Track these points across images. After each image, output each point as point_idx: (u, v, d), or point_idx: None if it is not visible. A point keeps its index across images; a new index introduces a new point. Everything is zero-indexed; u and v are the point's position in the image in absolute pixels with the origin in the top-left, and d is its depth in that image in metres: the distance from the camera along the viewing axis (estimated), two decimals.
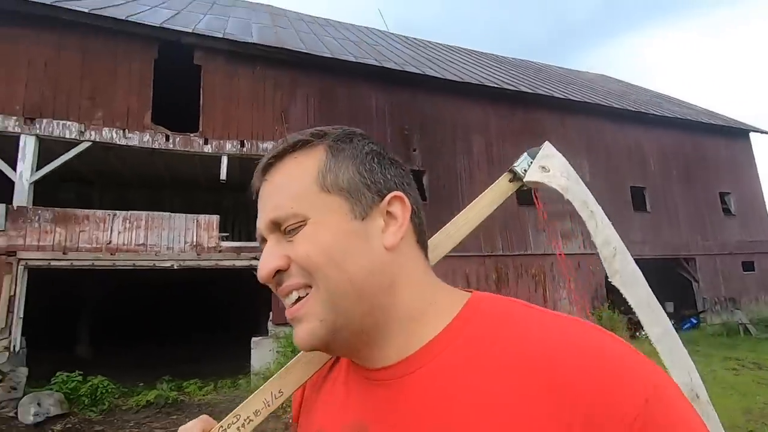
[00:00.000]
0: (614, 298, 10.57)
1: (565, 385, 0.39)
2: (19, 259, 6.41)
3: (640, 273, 0.68)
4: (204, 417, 0.56)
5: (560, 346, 0.42)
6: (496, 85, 10.41)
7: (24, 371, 5.86)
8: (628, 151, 12.11)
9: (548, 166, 0.66)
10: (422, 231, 0.53)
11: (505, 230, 9.81)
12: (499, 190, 0.67)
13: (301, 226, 0.47)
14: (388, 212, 0.49)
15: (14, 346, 6.17)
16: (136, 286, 10.69)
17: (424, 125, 9.56)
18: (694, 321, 11.96)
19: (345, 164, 0.49)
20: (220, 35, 8.16)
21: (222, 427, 0.54)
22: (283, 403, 0.57)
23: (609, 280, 0.66)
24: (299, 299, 0.48)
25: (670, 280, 12.29)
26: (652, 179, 12.23)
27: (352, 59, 9.15)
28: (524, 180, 0.66)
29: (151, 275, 8.00)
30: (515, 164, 0.67)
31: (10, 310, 6.24)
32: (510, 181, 0.67)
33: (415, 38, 16.53)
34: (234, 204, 10.02)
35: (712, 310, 12.17)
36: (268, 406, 0.56)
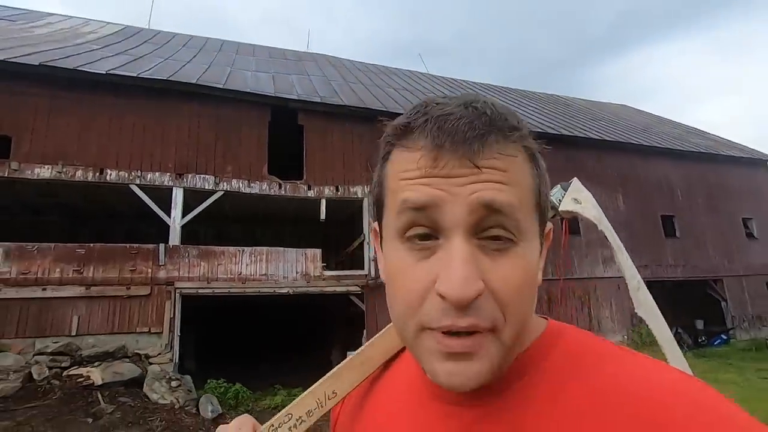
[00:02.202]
0: None
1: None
2: (176, 288, 8.00)
3: (657, 308, 0.80)
4: (248, 416, 0.51)
5: (658, 387, 0.36)
6: (541, 131, 11.94)
7: (189, 378, 7.36)
8: (658, 183, 13.46)
9: (580, 199, 0.73)
10: None
11: (554, 256, 11.19)
12: None
13: (511, 241, 0.38)
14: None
15: (175, 359, 7.70)
16: (232, 309, 12.21)
17: None
18: (725, 337, 13.04)
19: (542, 181, 0.42)
20: (318, 99, 9.87)
21: (273, 426, 0.50)
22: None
23: (635, 311, 0.77)
24: (472, 334, 0.38)
25: (700, 299, 13.47)
26: (680, 208, 13.52)
27: None
28: (559, 209, 0.72)
29: (254, 299, 9.53)
30: (550, 195, 0.58)
31: (171, 329, 7.81)
32: None
33: (453, 79, 18.26)
34: (321, 236, 11.56)
35: (740, 327, 13.25)
36: (321, 407, 0.51)
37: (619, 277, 9.17)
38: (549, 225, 0.44)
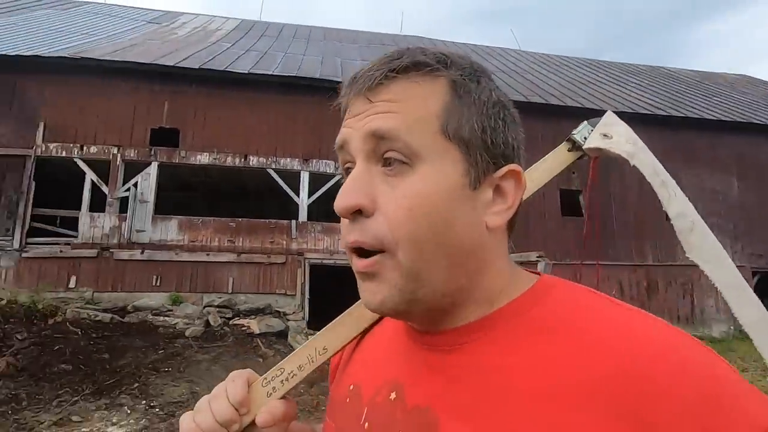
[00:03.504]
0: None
1: (650, 394, 0.33)
2: (305, 258, 9.37)
3: (724, 251, 0.60)
4: (249, 370, 0.53)
5: (647, 345, 0.36)
6: (648, 111, 11.53)
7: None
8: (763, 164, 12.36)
9: (611, 134, 0.60)
10: (518, 211, 0.45)
11: (655, 241, 11.02)
12: (556, 159, 0.61)
13: (406, 164, 0.40)
14: (497, 186, 0.43)
15: (306, 317, 9.14)
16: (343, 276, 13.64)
17: None
18: None
19: (470, 111, 0.42)
20: None
21: (266, 378, 0.52)
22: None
23: (686, 255, 0.60)
24: (369, 254, 0.41)
25: None
26: None
27: (523, 99, 10.99)
28: (584, 147, 0.60)
29: None
30: (574, 132, 0.61)
31: (302, 293, 9.24)
32: (569, 150, 0.61)
33: (548, 55, 17.75)
34: None
35: None
36: (312, 362, 0.53)
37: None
38: (509, 166, 0.43)
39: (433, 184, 0.40)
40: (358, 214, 0.41)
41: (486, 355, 0.41)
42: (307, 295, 9.23)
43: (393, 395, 0.45)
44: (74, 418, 4.20)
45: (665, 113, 11.69)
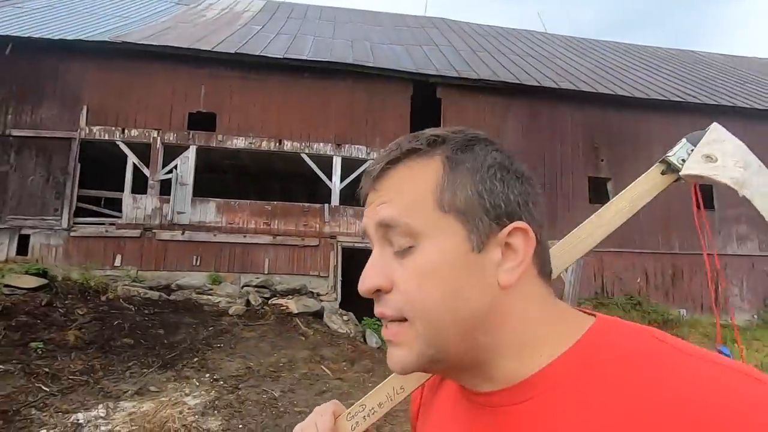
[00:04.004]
0: None
1: None
2: (337, 241, 9.64)
3: None
4: (335, 401, 0.59)
5: (726, 410, 0.33)
6: (680, 98, 11.40)
7: (352, 314, 9.08)
8: None
9: (715, 155, 0.51)
10: (545, 260, 0.47)
11: (683, 229, 11.07)
12: (647, 185, 0.56)
13: (411, 247, 0.44)
14: (507, 243, 0.44)
15: (338, 298, 9.46)
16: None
17: (611, 138, 11.07)
18: None
19: (463, 180, 0.44)
20: (455, 74, 10.52)
21: (350, 414, 0.56)
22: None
23: None
24: (393, 320, 0.45)
25: None
26: None
27: (554, 86, 10.93)
28: (681, 174, 0.52)
29: None
30: (669, 153, 0.54)
31: (335, 275, 9.54)
32: (662, 173, 0.55)
33: (573, 37, 17.44)
34: None
35: None
36: (391, 400, 0.56)
37: (756, 256, 9.26)
38: (513, 224, 0.43)
39: (436, 257, 0.43)
40: (379, 293, 0.45)
41: (545, 417, 0.41)
42: (339, 277, 9.53)
43: None
44: (151, 388, 4.55)
45: (698, 101, 11.55)
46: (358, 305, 9.57)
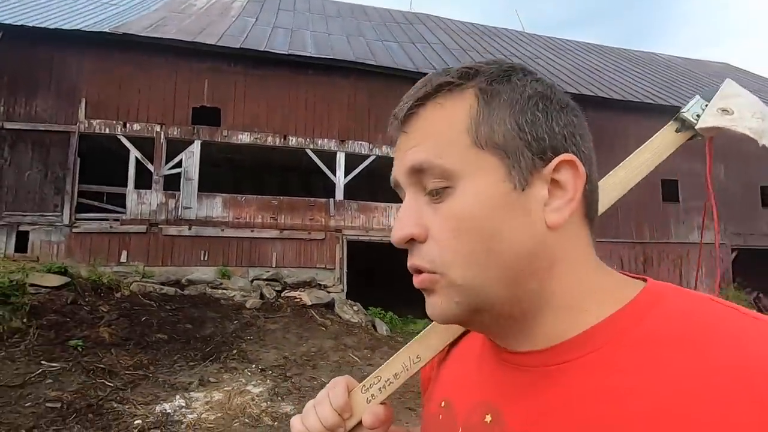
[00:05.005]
0: (740, 281, 12.78)
1: None
2: (343, 234, 9.96)
3: None
4: (347, 376, 0.56)
5: None
6: (651, 101, 12.45)
7: (360, 305, 9.47)
8: (759, 154, 13.68)
9: (731, 108, 0.50)
10: (593, 201, 0.44)
11: (652, 221, 12.20)
12: (662, 143, 0.55)
13: (448, 188, 0.41)
14: (553, 180, 0.41)
15: (345, 289, 9.81)
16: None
17: (592, 136, 11.93)
18: None
19: (501, 113, 0.41)
20: None
21: (365, 386, 0.54)
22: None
23: None
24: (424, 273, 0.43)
25: None
26: None
27: None
28: (696, 127, 0.52)
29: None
30: (683, 110, 0.53)
31: (341, 267, 9.87)
32: (677, 131, 0.54)
33: (550, 38, 18.33)
34: None
35: None
36: (407, 370, 0.54)
37: (713, 244, 10.37)
38: (560, 157, 0.40)
39: (474, 198, 0.40)
40: (412, 241, 0.42)
41: (592, 377, 0.37)
42: (345, 269, 9.88)
43: (488, 418, 0.44)
44: (211, 379, 4.80)
45: (665, 102, 12.64)
46: (362, 296, 9.97)
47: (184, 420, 3.70)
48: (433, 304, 0.43)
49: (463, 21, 17.67)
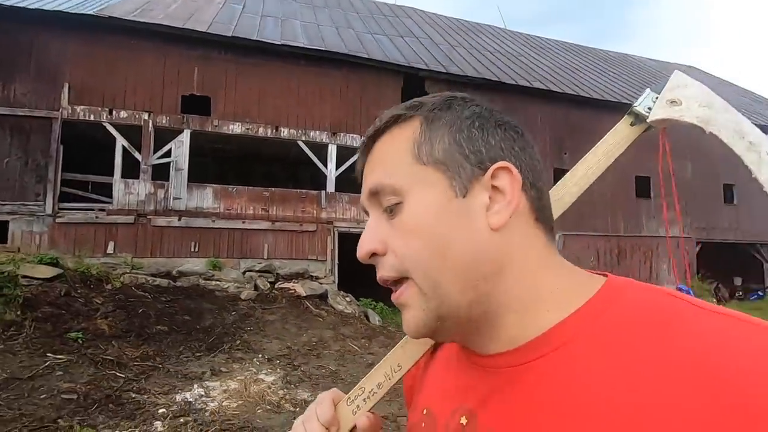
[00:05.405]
0: (703, 273, 13.68)
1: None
2: (334, 226, 10.03)
3: None
4: (335, 389, 0.57)
5: (746, 361, 0.32)
6: (627, 101, 13.03)
7: (352, 296, 9.60)
8: (723, 153, 14.58)
9: (679, 99, 0.53)
10: (543, 205, 0.46)
11: (626, 216, 12.86)
12: (617, 137, 0.56)
13: (399, 204, 0.45)
14: (493, 186, 0.44)
15: (336, 281, 9.91)
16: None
17: (573, 133, 12.45)
18: (761, 294, 14.90)
19: (441, 132, 0.45)
20: (442, 69, 11.15)
21: (350, 398, 0.56)
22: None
23: None
24: (396, 282, 0.46)
25: (744, 260, 15.17)
26: (740, 177, 14.77)
27: (528, 85, 11.98)
28: (648, 120, 0.54)
29: None
30: (636, 104, 0.55)
31: (332, 259, 9.96)
32: (631, 125, 0.56)
33: (529, 35, 18.78)
34: None
35: None
36: (389, 379, 0.56)
37: (680, 237, 11.28)
38: (496, 164, 0.44)
39: (420, 208, 0.44)
40: (375, 256, 0.46)
41: (552, 376, 0.39)
42: (336, 261, 9.97)
43: (464, 420, 0.45)
44: (223, 369, 4.84)
45: None
46: (353, 287, 10.11)
47: (207, 408, 3.76)
48: (408, 320, 0.46)
49: (448, 16, 17.85)
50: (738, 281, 15.67)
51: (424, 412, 0.53)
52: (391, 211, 0.45)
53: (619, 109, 12.99)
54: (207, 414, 3.65)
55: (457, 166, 0.44)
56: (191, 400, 3.86)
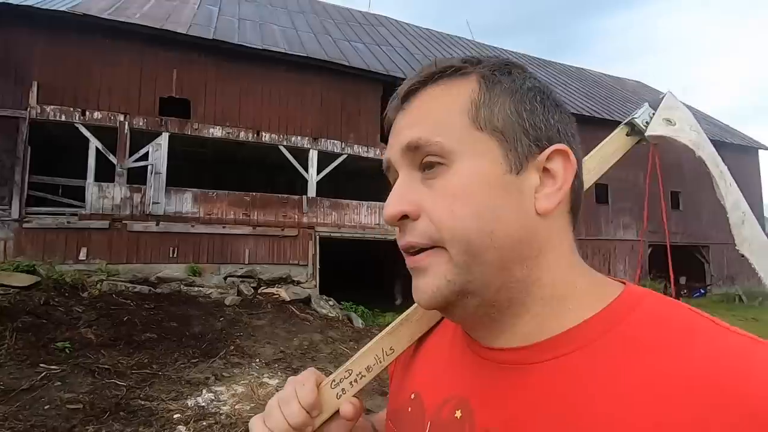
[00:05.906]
0: (655, 273, 14.85)
1: None
2: (315, 231, 10.10)
3: None
4: (314, 369, 0.53)
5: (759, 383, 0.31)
6: (589, 114, 13.99)
7: (334, 299, 9.69)
8: (671, 164, 15.94)
9: (673, 119, 0.55)
10: (579, 196, 0.45)
11: (587, 220, 13.75)
12: (614, 145, 0.58)
13: (443, 165, 0.41)
14: (545, 168, 0.41)
15: (318, 285, 9.97)
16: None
17: None
18: (702, 291, 16.35)
19: (501, 99, 0.42)
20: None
21: (334, 380, 0.52)
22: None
23: (737, 248, 0.56)
24: (422, 250, 0.42)
25: (688, 260, 16.59)
26: (686, 186, 16.18)
27: None
28: (646, 134, 0.55)
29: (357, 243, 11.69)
30: (635, 115, 0.57)
31: (313, 263, 10.01)
32: (627, 135, 0.58)
33: (495, 47, 19.63)
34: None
35: (716, 285, 16.57)
36: (380, 362, 0.53)
37: (635, 240, 12.50)
38: (554, 146, 0.41)
39: (470, 176, 0.40)
40: (405, 219, 0.42)
41: (569, 378, 0.37)
42: (317, 265, 10.04)
43: (458, 413, 0.43)
44: (225, 374, 4.84)
45: (600, 116, 14.28)
46: (332, 291, 10.20)
47: (221, 411, 3.80)
48: (423, 286, 0.42)
49: (419, 26, 18.35)
50: (682, 280, 17.11)
51: (412, 396, 0.51)
52: (431, 169, 0.42)
53: (581, 122, 13.86)
54: (223, 417, 3.70)
55: (515, 139, 0.41)
56: (203, 404, 3.88)
